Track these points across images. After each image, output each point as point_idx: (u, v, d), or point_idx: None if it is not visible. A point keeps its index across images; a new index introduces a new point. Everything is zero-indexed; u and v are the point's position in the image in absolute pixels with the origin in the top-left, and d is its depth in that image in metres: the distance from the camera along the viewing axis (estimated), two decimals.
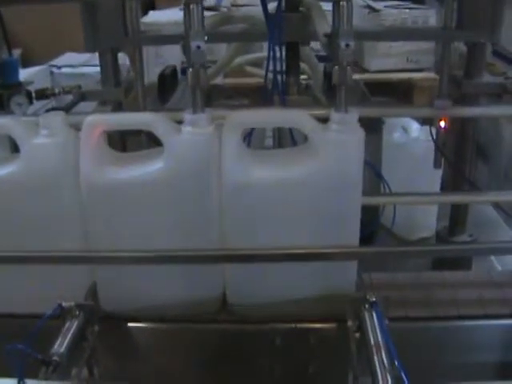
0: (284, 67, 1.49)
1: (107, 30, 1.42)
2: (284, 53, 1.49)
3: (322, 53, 2.00)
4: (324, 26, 1.26)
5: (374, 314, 1.05)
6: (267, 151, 1.27)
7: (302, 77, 1.72)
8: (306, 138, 1.13)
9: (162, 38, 1.57)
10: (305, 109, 1.28)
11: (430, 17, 2.89)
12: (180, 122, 1.12)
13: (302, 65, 1.71)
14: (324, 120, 1.12)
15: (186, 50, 1.06)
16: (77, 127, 1.12)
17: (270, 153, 1.25)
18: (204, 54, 1.05)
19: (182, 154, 1.10)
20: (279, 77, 1.44)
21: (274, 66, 1.40)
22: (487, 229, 1.80)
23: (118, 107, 1.45)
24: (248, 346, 1.23)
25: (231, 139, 1.10)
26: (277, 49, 1.39)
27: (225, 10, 2.27)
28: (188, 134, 1.10)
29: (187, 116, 1.10)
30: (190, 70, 1.06)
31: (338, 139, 1.09)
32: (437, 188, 1.77)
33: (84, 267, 1.20)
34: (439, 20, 2.89)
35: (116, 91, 1.43)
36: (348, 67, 1.05)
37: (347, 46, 1.03)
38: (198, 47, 1.04)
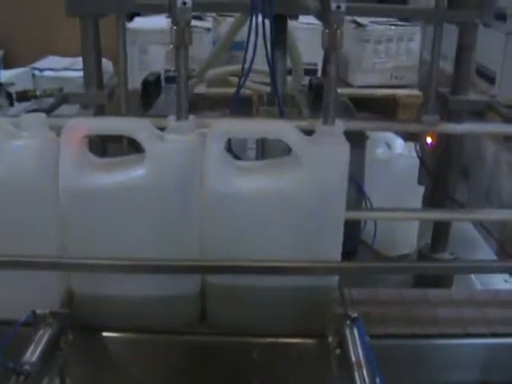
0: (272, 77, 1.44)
1: None
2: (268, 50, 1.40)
3: (306, 66, 1.98)
4: None
5: (356, 331, 1.04)
6: (250, 162, 1.25)
7: None
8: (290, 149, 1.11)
9: (147, 6, 1.47)
10: (290, 120, 1.27)
11: (414, 34, 2.95)
12: (163, 129, 1.10)
13: None
14: (307, 131, 1.10)
15: (171, 9, 1.02)
16: (58, 130, 1.10)
17: (254, 163, 1.23)
18: (189, 10, 1.02)
19: (164, 162, 1.08)
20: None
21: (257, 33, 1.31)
22: (467, 247, 1.79)
23: (100, 111, 1.42)
24: (226, 359, 1.21)
25: (214, 148, 1.08)
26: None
27: None
28: (171, 142, 1.08)
29: (171, 123, 1.09)
30: (175, 27, 1.02)
31: (323, 152, 1.07)
32: (419, 205, 1.76)
33: (60, 274, 1.16)
34: (423, 35, 2.94)
35: (99, 94, 1.40)
36: (338, 31, 1.00)
37: (338, 7, 1.00)
38: (184, 3, 1.01)
